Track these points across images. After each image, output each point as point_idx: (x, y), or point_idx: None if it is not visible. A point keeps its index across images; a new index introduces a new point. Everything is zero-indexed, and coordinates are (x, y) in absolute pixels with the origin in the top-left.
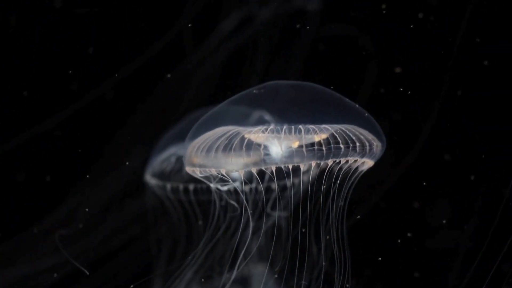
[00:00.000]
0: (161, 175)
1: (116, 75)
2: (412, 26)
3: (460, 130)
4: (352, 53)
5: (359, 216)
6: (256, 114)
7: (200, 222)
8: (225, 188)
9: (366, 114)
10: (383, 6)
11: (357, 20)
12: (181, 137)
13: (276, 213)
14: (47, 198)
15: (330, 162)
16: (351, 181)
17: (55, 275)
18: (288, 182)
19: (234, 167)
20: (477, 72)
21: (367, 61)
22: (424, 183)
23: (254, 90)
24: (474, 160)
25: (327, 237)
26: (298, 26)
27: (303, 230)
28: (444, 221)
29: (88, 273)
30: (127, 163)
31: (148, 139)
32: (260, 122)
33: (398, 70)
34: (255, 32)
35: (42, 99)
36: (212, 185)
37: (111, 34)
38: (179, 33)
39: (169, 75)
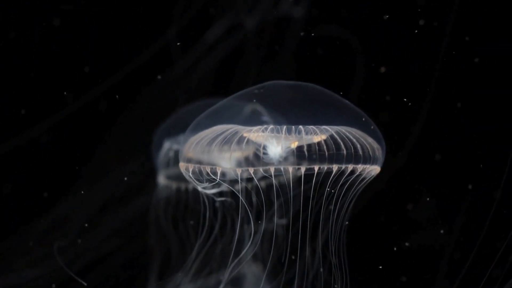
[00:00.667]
0: (174, 177)
1: (108, 79)
2: (403, 25)
3: (452, 130)
4: (341, 54)
5: (347, 222)
6: (255, 112)
7: (191, 222)
8: (213, 191)
9: (365, 117)
10: (385, 16)
11: (346, 21)
12: (175, 131)
13: (275, 217)
14: (41, 202)
15: (334, 167)
16: (355, 188)
17: (53, 285)
18: (288, 186)
19: (229, 164)
20: (471, 72)
21: (356, 62)
22: (415, 185)
23: (254, 89)
24: (466, 161)
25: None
26: (302, 34)
27: (293, 257)
28: (436, 224)
29: (86, 284)
30: (122, 165)
31: (141, 141)
32: (259, 121)
33: (383, 69)
34: (243, 38)
35: (34, 104)
36: (200, 188)
37: (102, 38)
38: (169, 38)
39: (159, 77)
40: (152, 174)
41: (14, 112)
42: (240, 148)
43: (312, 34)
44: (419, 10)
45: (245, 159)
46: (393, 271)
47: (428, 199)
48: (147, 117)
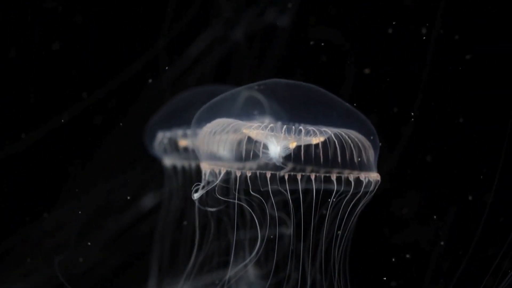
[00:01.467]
0: (176, 158)
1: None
2: (396, 27)
3: (450, 131)
4: (332, 57)
5: (339, 232)
6: (253, 101)
7: (185, 223)
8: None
9: (367, 122)
10: (389, 31)
11: (336, 23)
12: (168, 121)
13: (277, 223)
14: (38, 209)
15: (331, 171)
16: (359, 197)
17: None
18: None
19: (227, 151)
20: (470, 71)
21: (347, 64)
22: (412, 187)
23: (254, 86)
24: (463, 162)
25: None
26: (312, 42)
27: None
28: (433, 228)
29: None
30: (119, 172)
31: (137, 148)
32: (258, 114)
33: (367, 71)
34: (232, 47)
35: (30, 109)
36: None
37: (94, 44)
38: (158, 48)
39: (150, 80)
40: (150, 181)
41: (11, 116)
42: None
43: (322, 44)
44: (427, 23)
45: (243, 155)
46: (386, 274)
47: (425, 201)
48: (141, 124)
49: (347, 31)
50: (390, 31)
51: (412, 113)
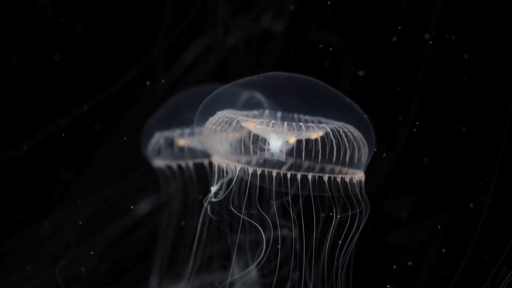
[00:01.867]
0: (169, 158)
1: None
2: (394, 28)
3: (449, 131)
4: (330, 59)
5: (340, 242)
6: (253, 98)
7: (182, 223)
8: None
9: (365, 116)
10: (394, 39)
11: (333, 26)
12: (166, 121)
13: (278, 226)
14: (37, 211)
15: (325, 176)
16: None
17: None
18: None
19: (225, 147)
20: (470, 72)
21: (345, 66)
22: (410, 189)
23: (253, 77)
24: (463, 164)
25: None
26: (310, 44)
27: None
28: (433, 232)
29: None
30: (118, 178)
31: (134, 147)
32: (257, 104)
33: (361, 73)
34: (229, 50)
35: (29, 114)
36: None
37: (92, 48)
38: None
39: (148, 83)
40: (150, 184)
41: (10, 120)
42: (237, 131)
43: (330, 49)
44: (425, 23)
45: (246, 150)
46: (384, 277)
47: (423, 203)
48: (140, 128)
49: (345, 33)
50: (388, 32)
51: (417, 123)
